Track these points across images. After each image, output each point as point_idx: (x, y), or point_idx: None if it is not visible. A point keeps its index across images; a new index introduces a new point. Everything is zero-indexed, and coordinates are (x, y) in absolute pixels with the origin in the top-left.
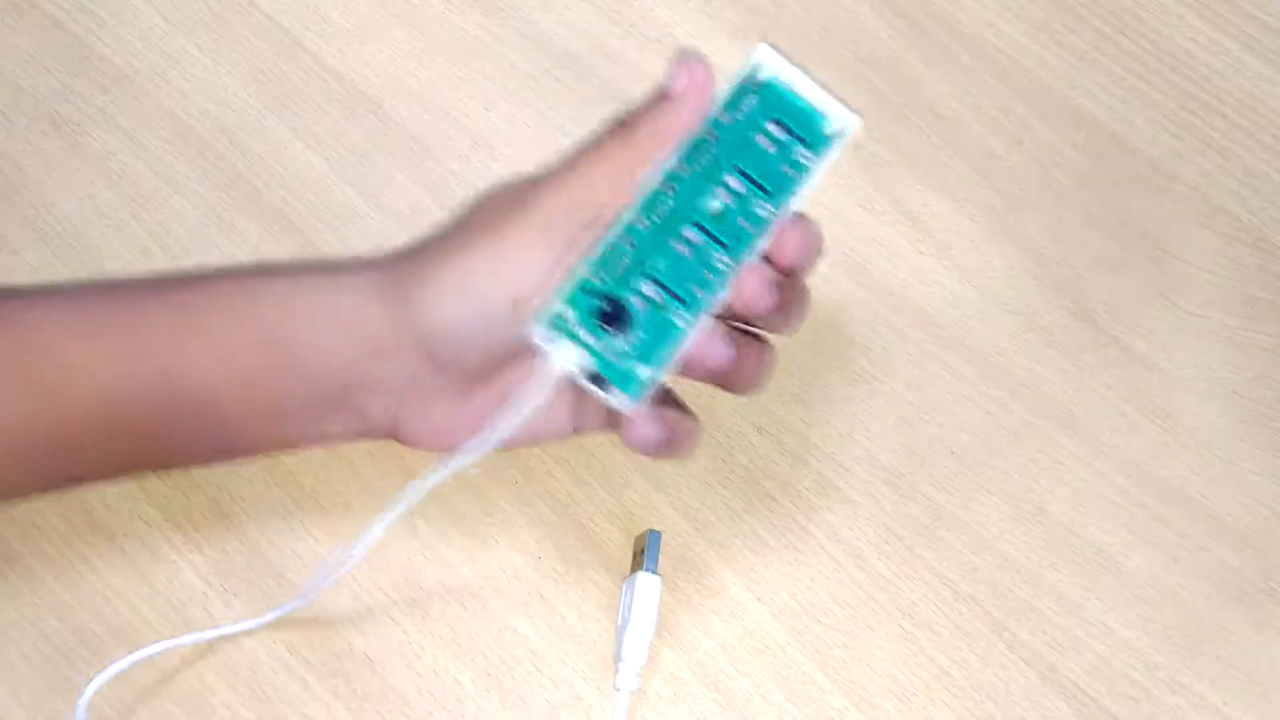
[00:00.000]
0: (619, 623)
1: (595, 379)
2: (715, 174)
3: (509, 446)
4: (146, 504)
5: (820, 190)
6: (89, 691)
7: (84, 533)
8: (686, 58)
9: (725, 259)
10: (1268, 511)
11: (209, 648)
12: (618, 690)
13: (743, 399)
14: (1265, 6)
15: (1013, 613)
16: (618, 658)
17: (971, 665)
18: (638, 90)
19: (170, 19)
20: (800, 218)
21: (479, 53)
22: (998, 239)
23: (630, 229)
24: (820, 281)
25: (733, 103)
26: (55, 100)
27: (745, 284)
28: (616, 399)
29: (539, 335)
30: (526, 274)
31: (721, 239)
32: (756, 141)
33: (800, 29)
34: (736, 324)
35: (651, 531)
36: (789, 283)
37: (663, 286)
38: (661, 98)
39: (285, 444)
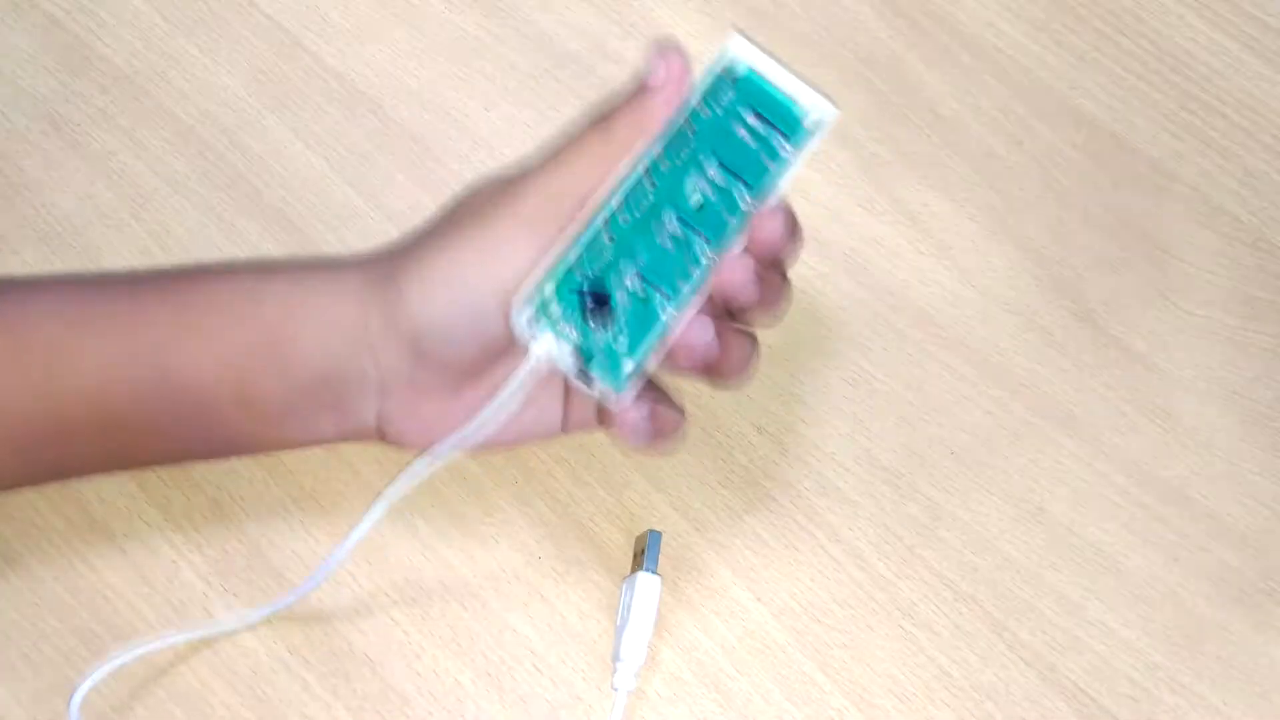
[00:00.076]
0: (619, 623)
1: (580, 371)
2: (695, 166)
3: (500, 446)
4: (146, 504)
5: (820, 190)
6: (81, 691)
7: (84, 533)
8: (663, 49)
9: (707, 249)
10: (1268, 511)
11: (209, 648)
12: (615, 690)
13: (743, 399)
14: (1265, 6)
15: (1013, 613)
16: (616, 657)
17: (971, 665)
18: None
19: (170, 19)
20: (780, 207)
21: (479, 53)
22: (998, 239)
23: (612, 221)
24: (820, 281)
25: (710, 95)
26: (55, 100)
27: (727, 274)
28: (601, 390)
29: (523, 327)
30: (512, 266)
31: (702, 230)
32: (735, 133)
33: (800, 29)
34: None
35: (652, 532)
36: (771, 272)
37: (645, 278)
38: (640, 89)
39: (280, 443)
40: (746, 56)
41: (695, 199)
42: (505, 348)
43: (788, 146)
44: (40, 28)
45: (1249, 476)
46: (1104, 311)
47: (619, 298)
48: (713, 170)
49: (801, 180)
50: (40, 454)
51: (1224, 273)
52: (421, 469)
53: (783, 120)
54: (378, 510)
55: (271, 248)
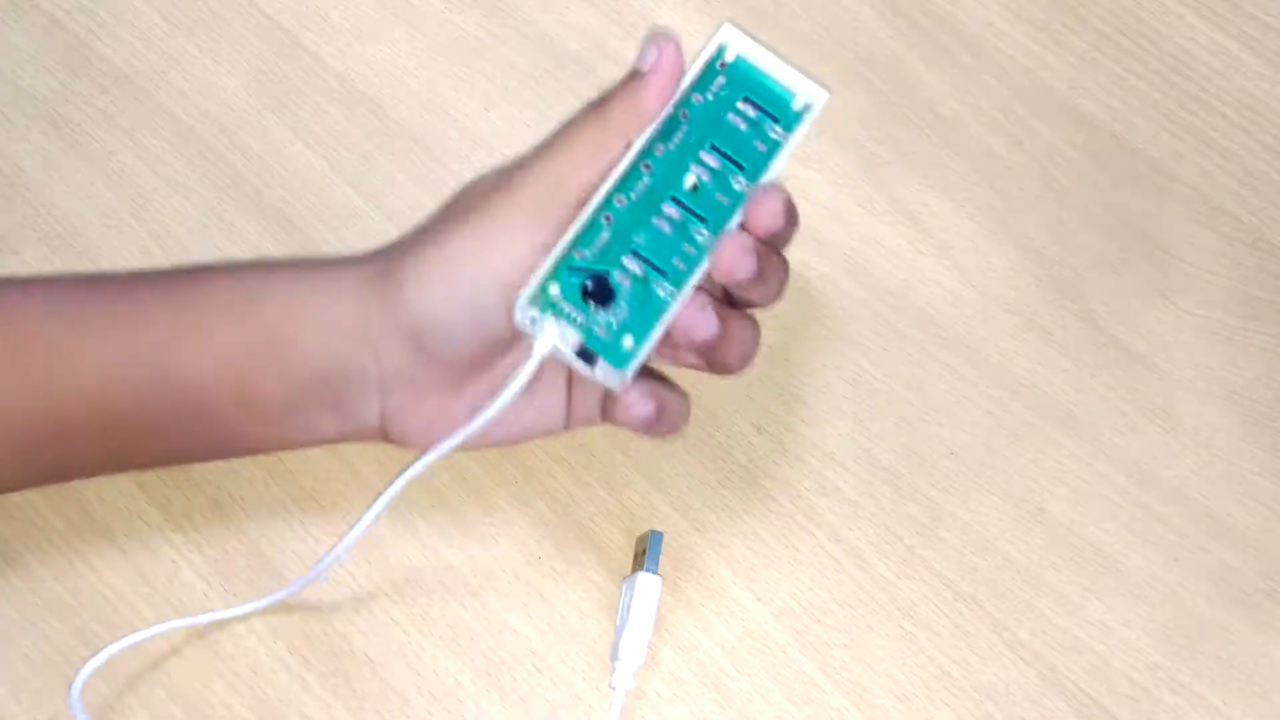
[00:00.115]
0: (618, 623)
1: (583, 355)
2: (691, 151)
3: (504, 442)
4: (146, 504)
5: (820, 190)
6: (82, 675)
7: (84, 533)
8: (656, 36)
9: (704, 232)
10: (1268, 511)
11: (209, 648)
12: (613, 689)
13: (743, 399)
14: (1265, 6)
15: (1013, 613)
16: (615, 657)
17: (971, 665)
18: None
19: (170, 19)
20: (775, 186)
21: (479, 53)
22: (998, 239)
23: (609, 207)
24: (820, 281)
25: (703, 82)
26: (55, 100)
27: (724, 251)
28: (605, 373)
29: (524, 313)
30: (512, 258)
31: (700, 213)
32: (729, 120)
33: (800, 29)
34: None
35: (653, 532)
36: (767, 251)
37: (645, 260)
38: (633, 75)
39: (281, 443)
40: (737, 44)
41: (691, 183)
42: (506, 342)
43: (779, 130)
44: (40, 28)
45: (1249, 476)
46: (1104, 311)
47: (618, 281)
48: (706, 155)
49: (801, 180)
50: (41, 454)
51: (1224, 273)
52: (428, 461)
53: (774, 105)
54: (380, 504)
55: (271, 248)
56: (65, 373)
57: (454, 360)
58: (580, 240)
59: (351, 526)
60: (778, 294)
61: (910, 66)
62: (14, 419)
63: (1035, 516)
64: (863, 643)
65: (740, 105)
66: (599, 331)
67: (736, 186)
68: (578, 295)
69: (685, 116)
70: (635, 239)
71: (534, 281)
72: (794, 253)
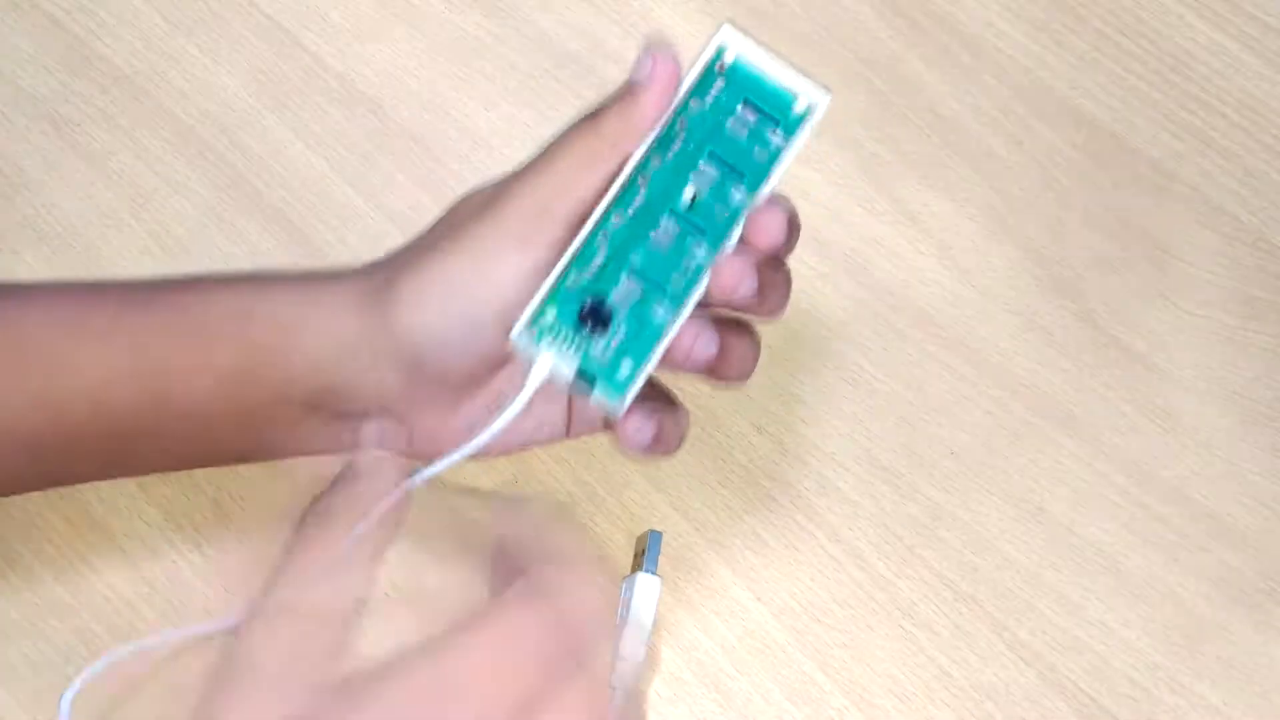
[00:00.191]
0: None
1: (580, 381)
2: (688, 162)
3: (505, 452)
4: (146, 504)
5: (820, 190)
6: (70, 692)
7: (84, 533)
8: (653, 47)
9: (703, 247)
10: (1268, 511)
11: (208, 647)
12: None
13: (743, 399)
14: (1265, 6)
15: (1013, 613)
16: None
17: (971, 665)
18: None
19: (170, 19)
20: (776, 199)
21: (479, 53)
22: (998, 239)
23: (606, 225)
24: (820, 281)
25: (700, 86)
26: (55, 100)
27: (725, 270)
28: (603, 399)
29: (520, 340)
30: (504, 276)
31: (699, 227)
32: (727, 126)
33: (800, 29)
34: (721, 313)
35: (653, 532)
36: (769, 266)
37: (641, 280)
38: (628, 87)
39: (281, 454)
40: (736, 45)
41: (688, 196)
42: (503, 359)
43: (779, 135)
44: (40, 28)
45: (1249, 476)
46: (1104, 311)
47: (615, 303)
48: (705, 165)
49: (801, 180)
50: (41, 461)
51: (1224, 273)
52: (418, 480)
53: (774, 108)
54: (374, 516)
55: (271, 248)
56: (65, 383)
57: (450, 378)
58: (576, 261)
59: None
60: (782, 307)
61: (910, 66)
62: (14, 427)
63: (1035, 516)
64: (863, 643)
65: (740, 110)
66: (596, 357)
67: (736, 197)
68: (574, 320)
69: (683, 125)
70: (632, 257)
71: (530, 307)
72: (794, 253)
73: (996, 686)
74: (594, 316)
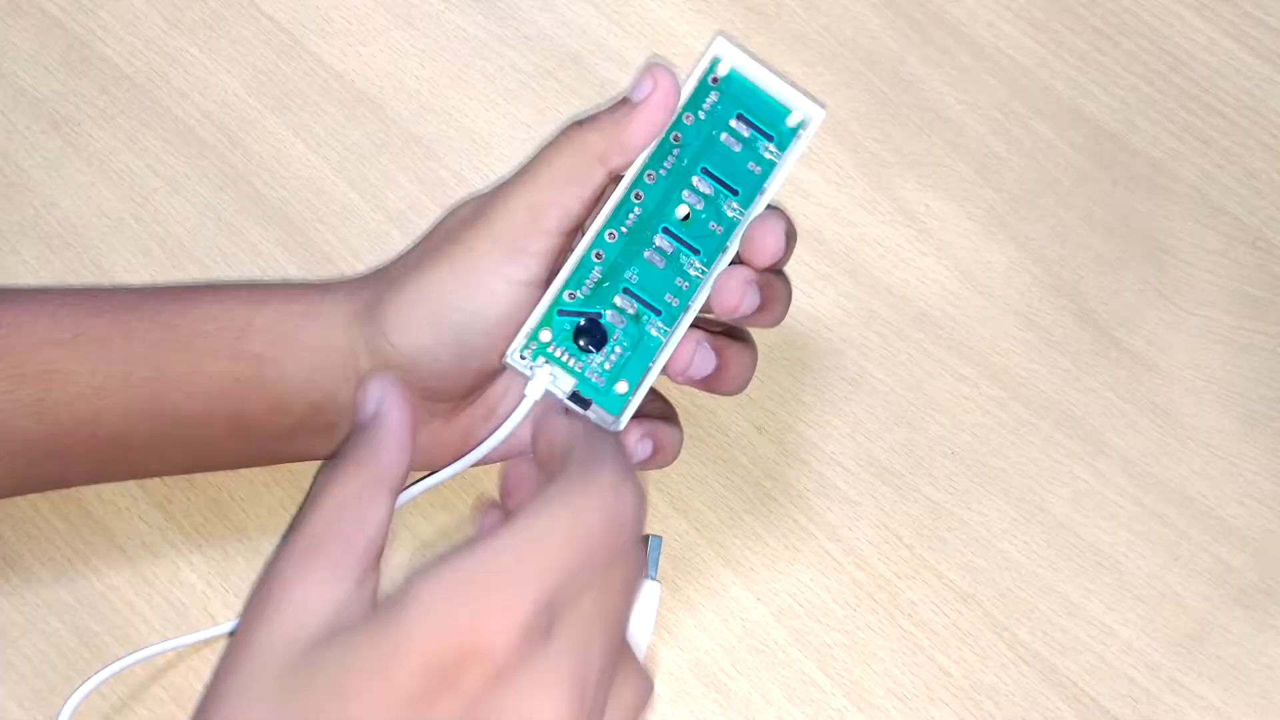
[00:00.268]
0: None
1: (577, 399)
2: (682, 178)
3: (504, 458)
4: (146, 504)
5: (820, 190)
6: (69, 708)
7: (84, 533)
8: (654, 68)
9: (698, 264)
10: (1268, 511)
11: (210, 649)
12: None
13: (743, 399)
14: (1265, 6)
15: (1013, 613)
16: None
17: (971, 665)
18: None
19: (170, 19)
20: (771, 212)
21: (479, 53)
22: (998, 239)
23: (600, 243)
24: (821, 281)
25: (694, 100)
26: (55, 100)
27: (724, 290)
28: (600, 417)
29: (517, 360)
30: (491, 292)
31: (693, 244)
32: (721, 140)
33: (800, 29)
34: (719, 322)
35: (652, 537)
36: (768, 279)
37: (637, 298)
38: (624, 103)
39: (276, 460)
40: (730, 57)
41: (682, 211)
42: (495, 372)
43: (773, 150)
44: (40, 28)
45: (1249, 476)
46: (1104, 311)
47: (611, 322)
48: (699, 180)
49: (801, 180)
50: (36, 466)
51: (1224, 273)
52: (412, 496)
53: (767, 123)
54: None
55: (271, 248)
56: (61, 393)
57: (443, 393)
58: (572, 279)
59: None
60: (783, 314)
61: (910, 66)
62: (11, 435)
63: (1035, 516)
64: (863, 643)
65: (733, 124)
66: (593, 377)
67: (730, 213)
68: (570, 340)
69: (677, 139)
70: (627, 275)
71: (525, 327)
72: (794, 252)
73: (996, 686)
74: (589, 335)
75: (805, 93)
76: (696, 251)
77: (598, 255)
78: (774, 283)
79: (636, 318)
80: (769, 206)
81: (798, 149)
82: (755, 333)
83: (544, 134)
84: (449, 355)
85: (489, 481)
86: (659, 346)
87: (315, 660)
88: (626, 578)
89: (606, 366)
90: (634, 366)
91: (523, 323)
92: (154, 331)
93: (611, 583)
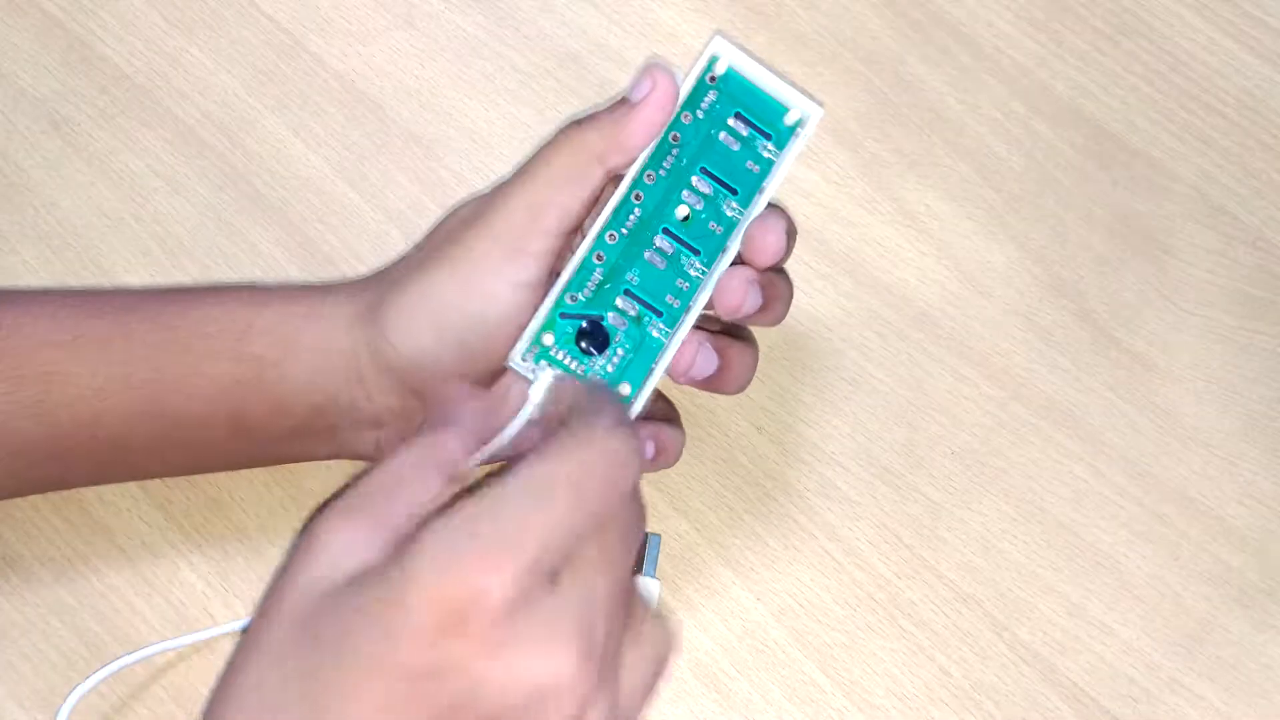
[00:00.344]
0: None
1: None
2: (681, 178)
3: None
4: (146, 504)
5: (820, 190)
6: (66, 707)
7: (84, 533)
8: (653, 68)
9: (698, 265)
10: (1268, 511)
11: (211, 650)
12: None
13: (743, 399)
14: (1265, 6)
15: (1013, 613)
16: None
17: (971, 665)
18: None
19: (170, 19)
20: (771, 212)
21: (479, 53)
22: (998, 239)
23: (601, 244)
24: (821, 281)
25: (692, 99)
26: (55, 100)
27: (727, 290)
28: None
29: (519, 363)
30: (492, 294)
31: (693, 245)
32: (719, 139)
33: (800, 29)
34: (719, 323)
35: (651, 535)
36: (770, 278)
37: (638, 300)
38: (623, 103)
39: (277, 461)
40: (728, 55)
41: (682, 212)
42: (497, 373)
43: (771, 148)
44: (40, 28)
45: (1249, 476)
46: (1104, 311)
47: (613, 324)
48: (698, 180)
49: (801, 180)
50: (36, 467)
51: (1224, 273)
52: None
53: (766, 121)
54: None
55: (271, 248)
56: (61, 395)
57: None
58: (573, 281)
59: None
60: (784, 313)
61: (910, 66)
62: (11, 437)
63: (1035, 516)
64: (863, 643)
65: (731, 122)
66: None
67: (729, 212)
68: (572, 343)
69: (676, 139)
70: (628, 277)
71: (528, 330)
72: (794, 252)
73: (996, 686)
74: (591, 338)
75: (804, 91)
76: (697, 252)
77: (599, 257)
78: (775, 281)
79: (638, 319)
80: (769, 205)
81: (796, 148)
82: (755, 332)
83: (544, 134)
84: (451, 357)
85: None
86: (661, 348)
87: (331, 606)
88: (627, 526)
89: (609, 369)
90: (637, 368)
91: (524, 325)
92: (154, 333)
93: (612, 530)
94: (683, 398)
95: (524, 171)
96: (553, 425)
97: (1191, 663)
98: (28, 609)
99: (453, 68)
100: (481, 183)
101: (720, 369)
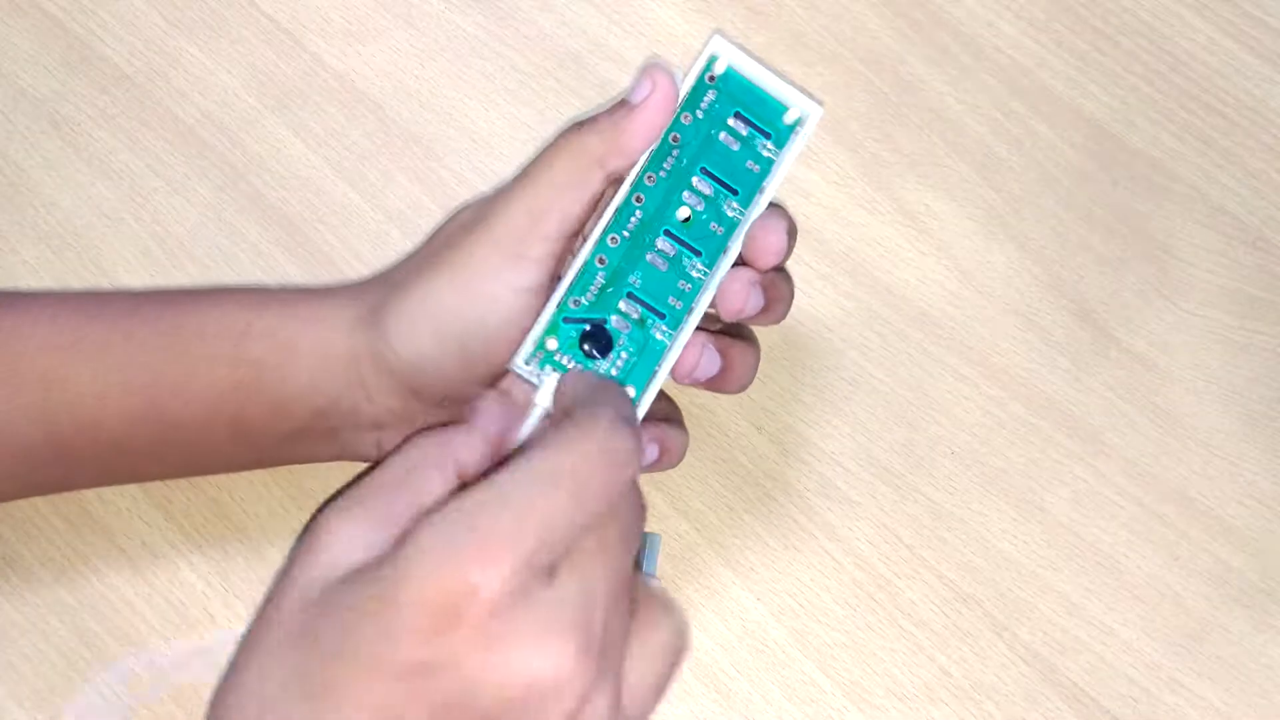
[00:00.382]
0: None
1: None
2: (681, 179)
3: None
4: (146, 504)
5: (820, 190)
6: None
7: (84, 533)
8: (652, 69)
9: (700, 266)
10: (1268, 511)
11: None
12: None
13: (743, 399)
14: (1265, 6)
15: (1013, 613)
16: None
17: (971, 665)
18: None
19: (170, 19)
20: (772, 213)
21: (479, 53)
22: (998, 239)
23: (603, 248)
24: (821, 281)
25: (691, 100)
26: (55, 100)
27: (729, 293)
28: None
29: (522, 368)
30: (493, 298)
31: (694, 246)
32: (719, 139)
33: (800, 29)
34: (719, 321)
35: (650, 535)
36: (771, 278)
37: (641, 302)
38: (623, 105)
39: (277, 463)
40: (727, 55)
41: (683, 213)
42: (498, 373)
43: (770, 147)
44: (40, 28)
45: (1249, 476)
46: (1104, 311)
47: (616, 328)
48: (699, 181)
49: (801, 180)
50: (37, 471)
51: (1224, 273)
52: None
53: (765, 120)
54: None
55: (271, 248)
56: (61, 398)
57: (446, 398)
58: (575, 286)
59: None
60: (785, 312)
61: (910, 66)
62: (11, 440)
63: (1035, 516)
64: (863, 643)
65: (731, 122)
66: None
67: (730, 213)
68: (576, 347)
69: (676, 140)
70: (631, 280)
71: (531, 335)
72: (794, 252)
73: (996, 686)
74: (595, 341)
75: (803, 90)
76: (698, 253)
77: (601, 260)
78: (777, 281)
79: (641, 322)
80: (770, 205)
81: (796, 147)
82: (755, 331)
83: (544, 134)
84: (452, 362)
85: None
86: (664, 350)
87: (329, 604)
88: (627, 521)
89: (613, 372)
90: (640, 371)
91: (526, 328)
92: (154, 337)
93: (612, 526)
94: (683, 397)
95: (524, 176)
96: (557, 419)
97: (1191, 663)
98: (28, 609)
99: (453, 68)
100: (481, 182)
101: (722, 369)
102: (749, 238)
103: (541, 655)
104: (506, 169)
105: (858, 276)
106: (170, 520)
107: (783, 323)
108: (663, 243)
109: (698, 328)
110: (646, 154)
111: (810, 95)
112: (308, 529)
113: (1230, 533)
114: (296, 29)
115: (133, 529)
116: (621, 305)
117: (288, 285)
